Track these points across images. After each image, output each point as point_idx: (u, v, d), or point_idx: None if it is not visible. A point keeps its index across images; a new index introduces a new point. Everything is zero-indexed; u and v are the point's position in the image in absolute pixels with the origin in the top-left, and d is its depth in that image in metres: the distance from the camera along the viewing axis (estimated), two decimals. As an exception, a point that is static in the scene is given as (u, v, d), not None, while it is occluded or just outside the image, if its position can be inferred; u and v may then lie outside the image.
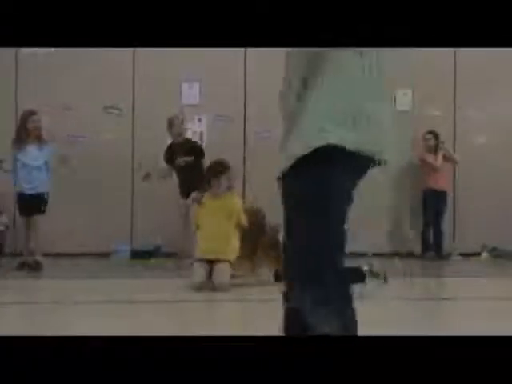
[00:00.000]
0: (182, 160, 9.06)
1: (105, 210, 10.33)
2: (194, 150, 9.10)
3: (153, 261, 9.66)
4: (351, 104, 2.26)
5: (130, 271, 9.18)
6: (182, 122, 9.33)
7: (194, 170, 8.78)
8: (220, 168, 7.47)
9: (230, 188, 7.49)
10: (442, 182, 10.68)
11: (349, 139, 2.24)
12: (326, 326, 2.27)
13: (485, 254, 10.59)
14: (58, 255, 9.13)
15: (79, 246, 10.11)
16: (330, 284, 2.27)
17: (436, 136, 10.65)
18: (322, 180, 2.26)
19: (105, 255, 10.03)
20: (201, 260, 7.28)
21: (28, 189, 8.65)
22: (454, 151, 10.90)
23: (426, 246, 10.69)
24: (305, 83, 2.28)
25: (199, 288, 7.05)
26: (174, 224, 9.42)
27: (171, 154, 9.21)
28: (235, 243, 7.38)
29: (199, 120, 10.39)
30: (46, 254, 8.83)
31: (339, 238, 2.32)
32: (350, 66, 2.27)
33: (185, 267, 8.29)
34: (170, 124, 9.27)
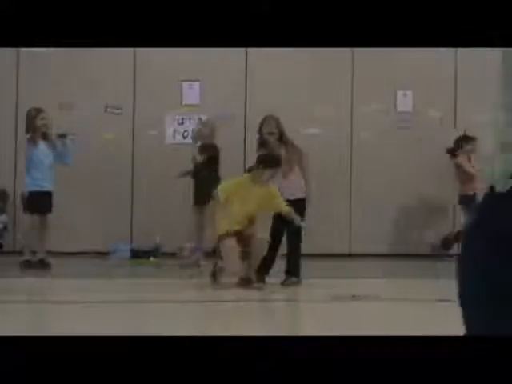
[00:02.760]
0: (198, 157, 9.09)
1: (105, 210, 10.33)
2: (209, 149, 9.09)
3: (152, 260, 9.66)
4: None
5: (130, 271, 9.18)
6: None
7: (210, 177, 8.77)
8: (272, 163, 7.45)
9: (272, 180, 7.51)
10: (479, 187, 10.05)
11: None
12: None
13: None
14: (58, 254, 9.13)
15: (79, 245, 10.11)
16: None
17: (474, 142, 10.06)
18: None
19: (104, 255, 10.03)
20: (232, 248, 7.22)
21: (44, 187, 8.66)
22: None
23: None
24: None
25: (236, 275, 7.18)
26: (173, 224, 9.42)
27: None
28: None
29: (200, 119, 10.38)
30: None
31: None
32: None
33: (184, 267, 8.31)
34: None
